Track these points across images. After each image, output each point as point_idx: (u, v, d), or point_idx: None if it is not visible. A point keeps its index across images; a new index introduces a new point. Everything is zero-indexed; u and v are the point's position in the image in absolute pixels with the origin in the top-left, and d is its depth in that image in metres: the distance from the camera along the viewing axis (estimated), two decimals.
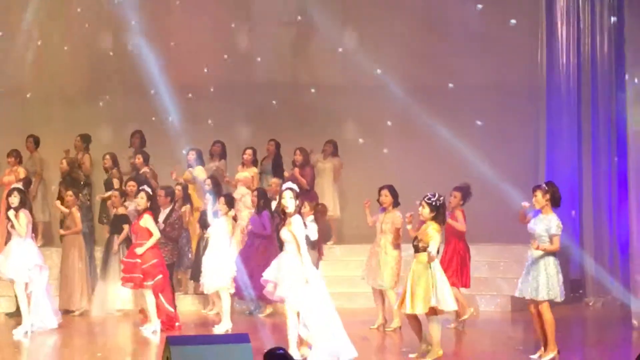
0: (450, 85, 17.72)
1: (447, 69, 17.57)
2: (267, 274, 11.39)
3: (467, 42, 17.49)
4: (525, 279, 11.35)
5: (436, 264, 11.29)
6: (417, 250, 11.31)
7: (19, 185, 14.57)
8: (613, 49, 15.85)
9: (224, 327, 13.44)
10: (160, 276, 13.50)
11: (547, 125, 16.80)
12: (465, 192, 13.73)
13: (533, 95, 17.15)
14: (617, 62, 15.65)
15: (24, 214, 13.76)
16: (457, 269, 13.59)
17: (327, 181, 17.16)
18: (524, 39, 17.31)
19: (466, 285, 13.74)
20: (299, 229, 11.16)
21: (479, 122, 17.51)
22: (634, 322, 13.59)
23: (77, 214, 15.21)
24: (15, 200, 13.74)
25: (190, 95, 18.19)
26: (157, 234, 13.54)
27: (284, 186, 11.64)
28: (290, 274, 11.11)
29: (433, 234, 11.19)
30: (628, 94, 14.01)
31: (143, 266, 13.47)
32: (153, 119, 17.93)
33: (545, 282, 11.23)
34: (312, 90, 18.23)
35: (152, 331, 13.44)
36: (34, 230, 15.02)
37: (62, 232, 15.40)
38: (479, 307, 14.97)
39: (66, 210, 15.29)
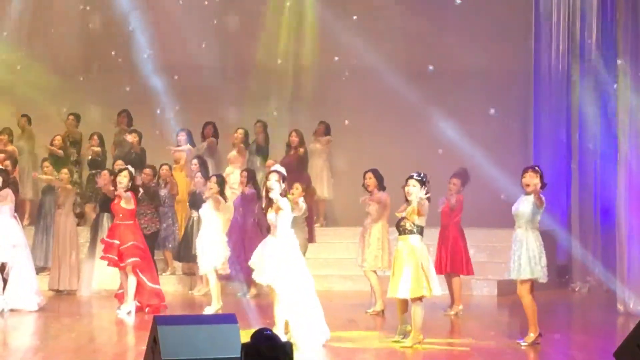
0: (431, 68, 17.76)
1: (437, 53, 17.59)
2: (253, 259, 11.39)
3: (457, 26, 17.50)
4: (512, 260, 11.35)
5: (424, 247, 11.23)
6: (403, 232, 11.23)
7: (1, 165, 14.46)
8: (602, 33, 15.86)
9: (214, 307, 13.46)
10: (135, 259, 13.48)
11: (535, 110, 16.83)
12: (464, 178, 13.72)
13: (522, 80, 17.18)
14: (607, 47, 15.65)
15: (9, 192, 13.72)
16: (462, 256, 13.63)
17: (320, 162, 17.18)
18: (514, 23, 17.32)
19: (463, 271, 13.79)
20: (286, 210, 11.17)
21: (463, 110, 17.52)
22: (619, 307, 13.64)
23: (73, 191, 15.32)
24: None
25: (176, 77, 18.17)
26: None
27: (271, 168, 11.63)
28: (275, 259, 11.10)
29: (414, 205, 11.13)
30: (620, 79, 14.01)
31: (120, 247, 13.47)
32: (140, 98, 17.95)
33: (527, 262, 11.21)
34: (304, 72, 18.22)
35: (127, 312, 13.44)
36: (21, 209, 15.05)
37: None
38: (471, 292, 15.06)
39: (50, 178, 15.41)
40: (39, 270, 15.51)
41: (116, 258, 13.48)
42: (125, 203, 13.58)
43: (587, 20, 16.05)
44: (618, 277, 13.89)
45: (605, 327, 13.21)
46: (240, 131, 16.66)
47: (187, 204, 15.76)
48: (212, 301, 13.53)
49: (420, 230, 11.17)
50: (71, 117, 17.52)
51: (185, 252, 15.54)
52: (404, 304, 11.39)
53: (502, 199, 13.85)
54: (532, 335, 11.32)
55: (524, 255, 11.20)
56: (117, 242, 13.51)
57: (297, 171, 16.03)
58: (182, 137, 16.76)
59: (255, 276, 11.41)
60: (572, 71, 16.34)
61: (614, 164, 14.42)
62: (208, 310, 13.37)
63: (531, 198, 11.27)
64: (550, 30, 16.59)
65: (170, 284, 15.54)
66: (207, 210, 13.77)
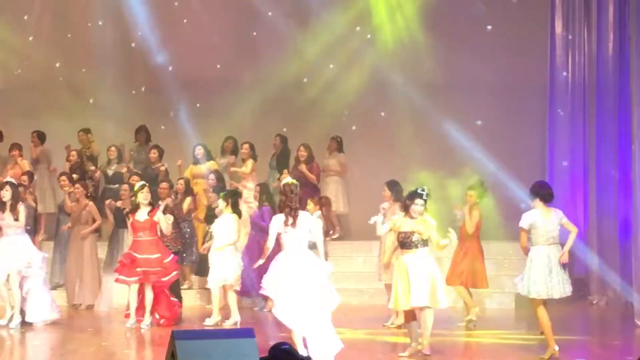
0: (455, 82, 17.75)
1: (452, 66, 17.57)
2: (266, 277, 11.37)
3: (472, 39, 17.51)
4: (525, 276, 11.33)
5: (432, 259, 11.28)
6: (413, 246, 11.23)
7: (13, 180, 14.37)
8: (618, 47, 15.83)
9: (232, 320, 13.50)
10: (176, 272, 13.73)
11: (550, 124, 16.81)
12: (480, 190, 13.68)
13: (538, 94, 17.16)
14: (623, 62, 15.62)
15: (23, 207, 13.76)
16: (482, 272, 13.59)
17: (333, 177, 17.15)
18: (530, 38, 17.33)
19: (480, 285, 13.73)
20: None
21: (478, 122, 17.50)
22: (637, 320, 13.59)
23: (94, 208, 15.32)
24: (6, 194, 13.60)
25: (195, 91, 18.21)
26: (167, 229, 13.73)
27: (282, 182, 11.62)
28: (290, 273, 11.09)
29: (432, 222, 11.18)
30: (633, 93, 14.00)
31: (164, 260, 13.54)
32: (159, 114, 18.02)
33: (543, 281, 11.22)
34: (317, 86, 18.24)
35: (146, 325, 13.51)
36: (38, 223, 15.10)
37: (84, 232, 15.36)
38: (484, 305, 14.97)
39: (70, 205, 15.42)
40: (59, 285, 15.58)
41: (158, 270, 13.54)
42: (157, 217, 13.65)
43: (603, 34, 16.01)
44: (636, 290, 13.85)
45: (623, 340, 13.17)
46: (246, 146, 16.66)
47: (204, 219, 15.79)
48: (231, 315, 13.58)
49: (425, 242, 11.22)
50: (81, 132, 17.55)
51: (201, 267, 15.56)
52: (410, 315, 11.39)
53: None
54: (550, 349, 11.33)
55: (541, 273, 11.21)
56: (158, 255, 13.56)
57: (307, 185, 15.99)
58: (200, 151, 16.75)
59: (263, 289, 11.37)
60: (588, 85, 16.31)
61: (630, 177, 14.40)
62: (226, 324, 13.43)
63: (550, 214, 11.30)
64: (566, 44, 16.56)
65: (188, 298, 15.54)
66: (219, 226, 13.81)
